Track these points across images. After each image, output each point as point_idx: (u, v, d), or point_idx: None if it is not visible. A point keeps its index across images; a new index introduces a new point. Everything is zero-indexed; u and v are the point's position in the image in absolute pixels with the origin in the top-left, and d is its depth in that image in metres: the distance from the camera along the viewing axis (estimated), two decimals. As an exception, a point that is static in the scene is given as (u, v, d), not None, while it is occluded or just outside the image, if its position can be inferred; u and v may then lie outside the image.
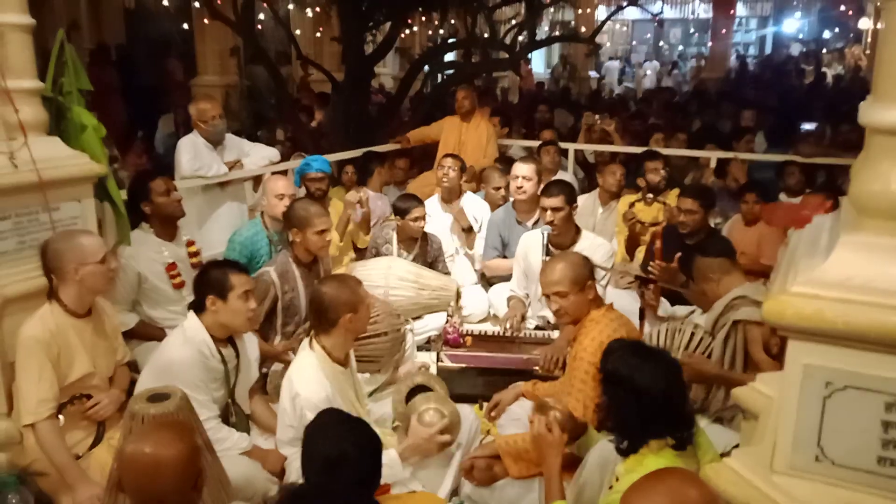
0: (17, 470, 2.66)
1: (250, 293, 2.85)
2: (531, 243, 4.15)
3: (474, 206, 5.08)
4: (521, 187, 4.51)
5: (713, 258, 3.27)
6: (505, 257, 4.61)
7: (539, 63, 20.66)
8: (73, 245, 2.79)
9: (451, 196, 5.00)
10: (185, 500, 1.74)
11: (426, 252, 4.48)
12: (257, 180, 5.03)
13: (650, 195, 5.07)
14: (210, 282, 2.83)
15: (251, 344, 3.11)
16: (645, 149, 5.86)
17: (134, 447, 1.78)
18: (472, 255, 4.86)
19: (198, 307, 2.85)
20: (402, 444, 2.77)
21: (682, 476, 1.67)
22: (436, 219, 4.88)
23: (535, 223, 4.50)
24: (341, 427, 2.11)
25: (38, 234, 3.03)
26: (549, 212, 3.93)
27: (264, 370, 3.48)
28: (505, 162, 5.79)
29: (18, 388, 2.71)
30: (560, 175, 5.70)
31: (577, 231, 4.09)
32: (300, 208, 3.63)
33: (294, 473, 2.76)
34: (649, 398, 2.03)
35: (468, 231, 4.82)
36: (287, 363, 3.27)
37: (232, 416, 2.92)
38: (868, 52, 17.45)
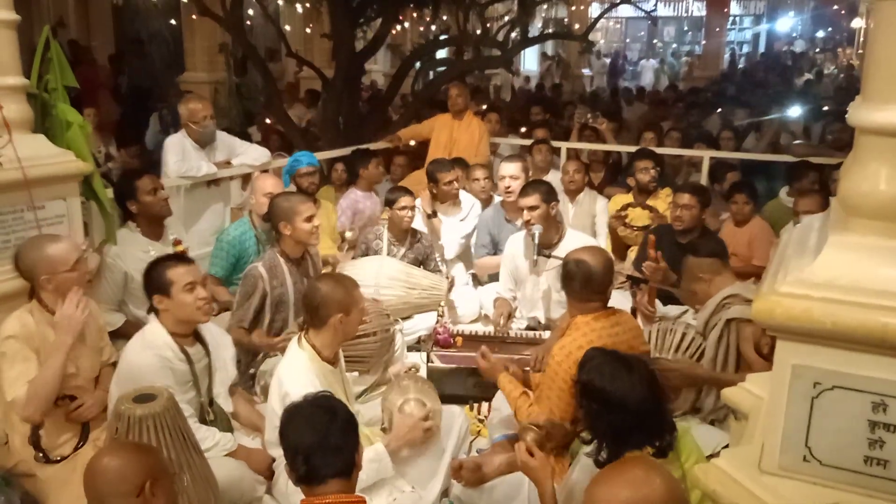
0: (2, 471, 2.64)
1: (195, 284, 2.75)
2: (519, 245, 4.14)
3: (463, 198, 5.06)
4: (508, 187, 4.50)
5: (704, 258, 3.27)
6: (496, 255, 4.59)
7: (533, 61, 20.66)
8: (41, 256, 2.76)
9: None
10: (125, 503, 1.81)
11: (417, 249, 4.46)
12: (245, 179, 5.00)
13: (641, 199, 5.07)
14: (151, 282, 2.78)
15: (223, 341, 3.07)
16: (637, 147, 5.85)
17: (93, 459, 1.90)
18: (441, 245, 4.81)
19: (151, 309, 2.82)
20: (387, 437, 2.77)
21: (645, 465, 1.67)
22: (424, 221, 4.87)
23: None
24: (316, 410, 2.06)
25: (23, 233, 3.02)
26: (525, 211, 3.92)
27: (252, 370, 3.46)
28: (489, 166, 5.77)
29: (2, 377, 2.67)
30: (552, 174, 5.68)
31: (561, 226, 4.08)
32: (282, 201, 3.59)
33: (283, 474, 2.75)
34: (624, 411, 2.00)
35: (431, 216, 4.77)
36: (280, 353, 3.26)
37: (209, 415, 2.87)
38: (860, 51, 17.52)
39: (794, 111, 8.87)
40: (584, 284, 2.83)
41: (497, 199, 5.18)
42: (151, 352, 2.70)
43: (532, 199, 3.90)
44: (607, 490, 1.56)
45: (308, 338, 2.78)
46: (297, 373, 2.70)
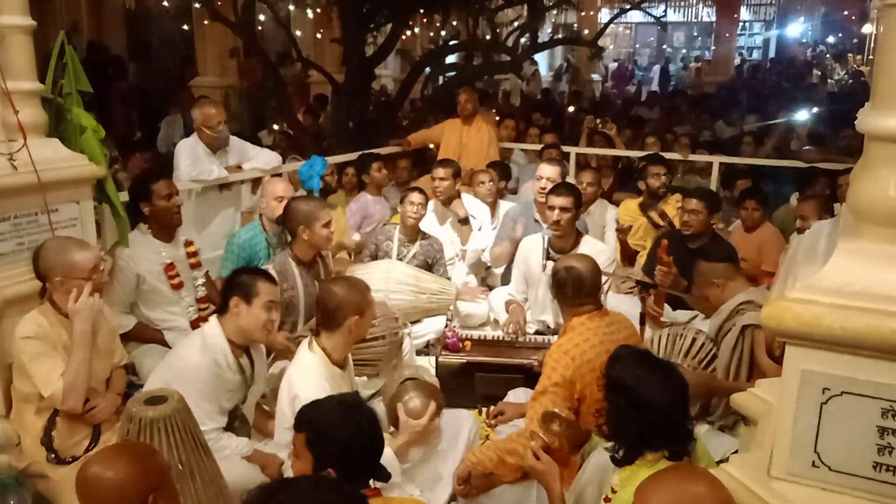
0: (15, 472, 2.67)
1: (274, 304, 2.85)
2: (532, 247, 4.14)
3: (473, 207, 5.07)
4: (544, 188, 4.46)
5: (717, 263, 3.26)
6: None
7: (542, 66, 20.66)
8: (63, 260, 2.80)
9: (447, 203, 4.99)
10: None
11: (426, 252, 4.47)
12: (256, 183, 5.03)
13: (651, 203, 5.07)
14: (238, 284, 2.84)
15: (262, 356, 3.12)
16: (646, 153, 5.85)
17: (86, 465, 1.79)
18: (466, 251, 4.84)
19: (221, 309, 2.87)
20: (395, 441, 2.78)
21: (700, 474, 1.67)
22: (434, 224, 4.88)
23: None
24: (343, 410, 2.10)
25: (37, 236, 3.04)
26: (556, 210, 3.91)
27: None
28: (499, 167, 5.76)
29: (33, 375, 2.69)
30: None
31: (579, 235, 4.09)
32: (302, 204, 3.63)
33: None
34: (651, 411, 1.99)
35: (464, 223, 4.80)
36: (287, 357, 3.29)
37: (236, 421, 2.92)
38: (871, 56, 17.43)
39: (803, 116, 8.85)
40: (576, 290, 2.92)
41: (503, 203, 5.22)
42: (209, 355, 2.75)
43: (566, 201, 3.91)
44: (657, 492, 1.58)
45: (319, 341, 2.80)
46: (307, 376, 2.72)
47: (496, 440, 2.86)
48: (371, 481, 2.09)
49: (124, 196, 3.71)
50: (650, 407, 2.00)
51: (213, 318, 2.88)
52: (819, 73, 17.61)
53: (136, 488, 1.73)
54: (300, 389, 2.66)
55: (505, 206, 5.21)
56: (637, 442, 2.02)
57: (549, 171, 4.57)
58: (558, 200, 3.93)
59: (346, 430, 2.00)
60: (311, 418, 2.07)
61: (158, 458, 1.92)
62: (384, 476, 2.10)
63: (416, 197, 4.41)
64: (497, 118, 7.61)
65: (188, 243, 3.80)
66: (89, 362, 2.72)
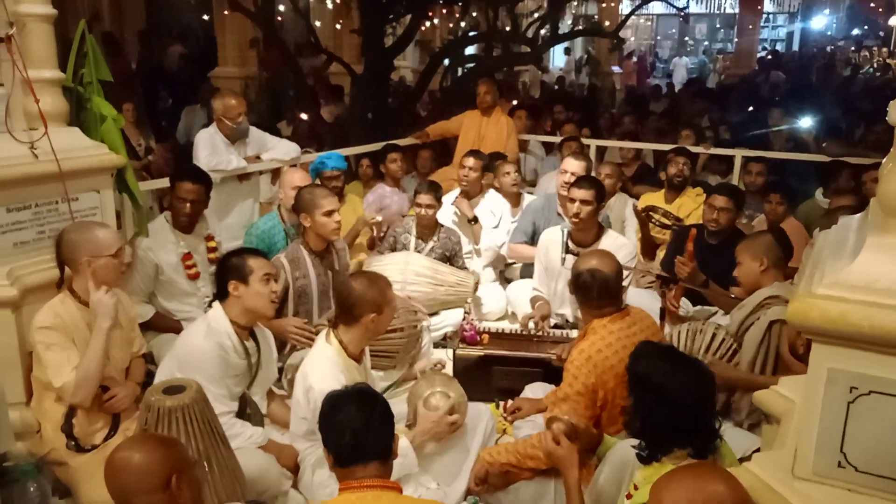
0: (35, 459, 2.68)
1: (270, 276, 2.89)
2: (552, 240, 4.10)
3: (495, 202, 5.04)
4: (568, 182, 4.41)
5: (779, 245, 3.18)
6: (534, 244, 4.55)
7: (561, 57, 20.53)
8: (87, 237, 2.80)
9: (470, 194, 4.96)
10: (152, 499, 1.79)
11: (444, 245, 4.45)
12: (275, 174, 5.03)
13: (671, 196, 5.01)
14: (230, 267, 2.86)
15: (271, 341, 3.12)
16: (672, 146, 5.78)
17: (114, 452, 1.87)
18: (479, 249, 4.82)
19: (221, 295, 2.88)
20: (412, 432, 2.77)
21: (715, 472, 1.65)
22: (450, 209, 4.86)
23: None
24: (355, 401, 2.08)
25: (57, 225, 3.05)
26: (577, 203, 3.87)
27: (279, 364, 3.48)
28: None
29: (47, 364, 2.71)
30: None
31: (601, 229, 4.04)
32: (305, 192, 3.64)
33: (309, 468, 2.76)
34: (679, 408, 1.97)
35: (473, 222, 4.78)
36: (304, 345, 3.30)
37: (247, 409, 2.92)
38: (896, 49, 17.16)
39: (828, 110, 8.73)
40: (601, 293, 2.86)
41: (527, 194, 5.17)
42: (214, 339, 2.77)
43: (587, 194, 3.87)
44: (673, 490, 1.56)
45: (336, 333, 2.80)
46: (322, 367, 2.72)
47: (515, 442, 2.83)
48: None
49: (145, 186, 3.73)
50: (678, 403, 1.97)
51: (216, 304, 2.89)
52: (845, 65, 17.33)
53: (160, 470, 1.80)
54: (314, 381, 2.66)
55: (529, 198, 5.18)
56: (663, 439, 1.99)
57: (574, 165, 4.53)
58: (579, 193, 3.89)
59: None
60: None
61: (182, 446, 2.01)
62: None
63: (424, 199, 4.38)
64: (511, 108, 7.55)
65: (209, 238, 3.81)
66: (102, 358, 2.72)
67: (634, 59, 19.92)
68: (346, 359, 2.77)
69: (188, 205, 3.70)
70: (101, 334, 2.71)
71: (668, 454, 1.97)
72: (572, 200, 3.92)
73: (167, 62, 11.02)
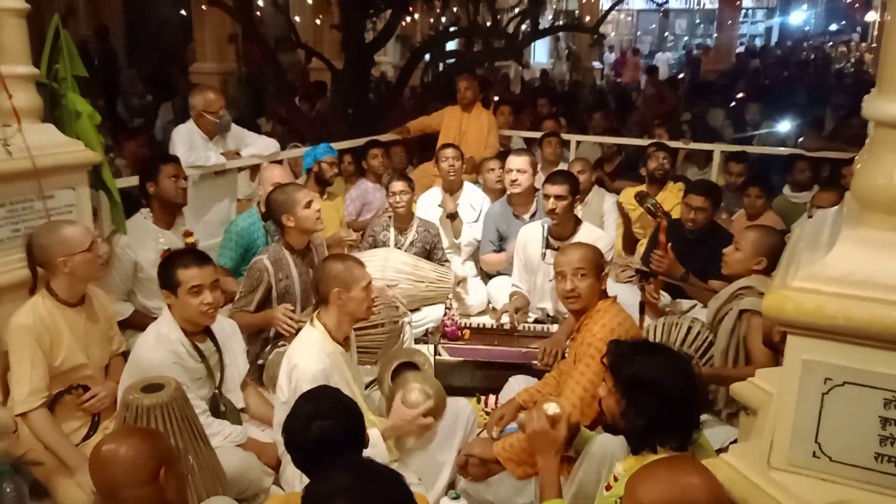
0: (11, 459, 2.65)
1: (202, 288, 2.72)
2: (530, 235, 4.12)
3: (474, 196, 5.04)
4: (515, 180, 4.45)
5: (779, 237, 3.17)
6: (503, 251, 4.57)
7: (542, 53, 20.57)
8: (57, 238, 2.76)
9: (453, 187, 4.96)
10: (141, 492, 1.77)
11: (423, 238, 4.45)
12: (254, 171, 4.99)
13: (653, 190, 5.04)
14: (162, 276, 2.77)
15: (234, 335, 3.07)
16: (652, 141, 5.82)
17: (99, 445, 1.84)
18: (459, 244, 4.81)
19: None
20: (382, 423, 2.77)
21: (689, 464, 1.66)
22: (438, 210, 4.85)
23: (533, 216, 4.47)
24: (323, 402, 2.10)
25: (32, 222, 3.02)
26: (551, 199, 3.89)
27: (260, 361, 3.47)
28: (505, 157, 5.72)
29: (11, 377, 2.69)
30: (561, 167, 5.65)
31: (577, 222, 4.07)
32: (278, 193, 3.55)
33: (290, 465, 2.75)
34: (674, 400, 1.96)
35: (452, 218, 4.78)
36: (285, 332, 3.30)
37: (221, 407, 2.88)
38: (875, 45, 17.34)
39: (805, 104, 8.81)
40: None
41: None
42: (165, 348, 2.70)
43: (561, 189, 3.89)
44: (648, 485, 1.56)
45: (319, 317, 2.80)
46: (306, 347, 2.73)
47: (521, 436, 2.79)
48: None
49: (121, 183, 3.69)
50: (673, 396, 1.96)
51: (165, 310, 2.81)
52: (823, 60, 17.50)
53: (148, 462, 1.79)
54: (299, 360, 2.66)
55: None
56: (654, 434, 1.97)
57: (517, 162, 4.49)
58: (553, 189, 3.91)
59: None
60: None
61: (168, 440, 2.03)
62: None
63: (397, 186, 4.38)
64: (494, 104, 7.55)
65: (187, 234, 3.78)
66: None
67: (638, 56, 19.96)
68: (331, 342, 2.77)
69: (182, 181, 3.69)
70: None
71: (660, 447, 1.96)
72: (546, 197, 3.94)
73: (126, 80, 10.79)
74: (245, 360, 3.13)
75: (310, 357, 2.65)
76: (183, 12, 10.73)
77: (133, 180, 4.19)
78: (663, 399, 1.97)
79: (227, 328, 3.05)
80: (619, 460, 2.09)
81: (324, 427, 1.98)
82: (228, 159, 4.67)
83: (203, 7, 9.08)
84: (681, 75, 16.25)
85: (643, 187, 5.17)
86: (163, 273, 2.77)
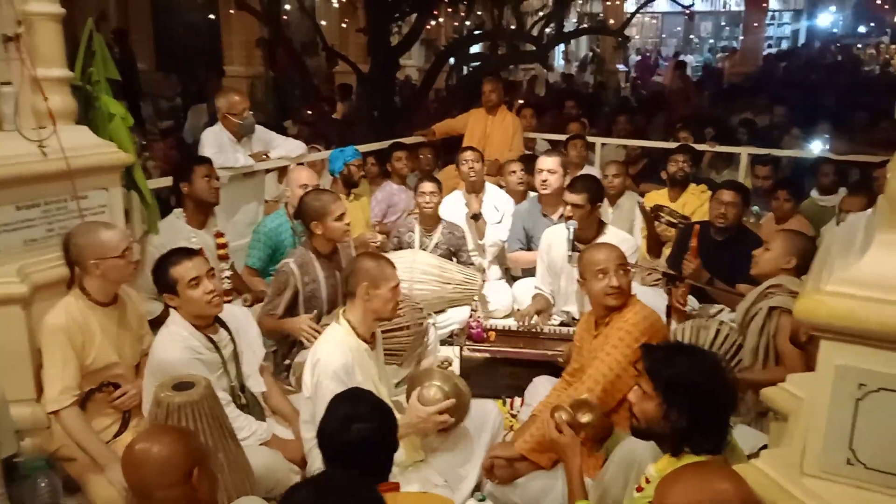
0: (45, 455, 2.70)
1: (199, 278, 2.72)
2: (555, 238, 4.10)
3: (497, 197, 5.04)
4: (545, 181, 4.46)
5: (809, 240, 3.19)
6: (530, 249, 4.57)
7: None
8: (92, 240, 2.79)
9: (475, 188, 4.96)
10: (175, 493, 1.78)
11: (448, 240, 4.46)
12: (282, 172, 5.03)
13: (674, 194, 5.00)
14: (158, 282, 2.78)
15: (246, 321, 3.09)
16: (677, 144, 5.78)
17: (132, 443, 1.85)
18: (483, 245, 4.82)
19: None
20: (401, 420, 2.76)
21: (721, 470, 1.65)
22: (461, 212, 4.86)
23: (561, 216, 4.46)
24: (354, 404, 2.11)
25: (66, 222, 3.07)
26: (569, 207, 3.90)
27: (287, 361, 3.49)
28: (527, 160, 5.71)
29: (44, 375, 2.74)
30: (587, 169, 5.63)
31: (601, 225, 4.05)
32: (312, 200, 3.58)
33: (317, 460, 2.76)
34: (714, 400, 1.95)
35: (476, 219, 4.78)
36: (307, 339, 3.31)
37: (241, 399, 2.90)
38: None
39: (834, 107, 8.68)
40: None
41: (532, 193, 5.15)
42: (179, 345, 2.72)
43: (579, 198, 3.87)
44: (680, 489, 1.56)
45: (345, 314, 2.83)
46: (330, 343, 2.76)
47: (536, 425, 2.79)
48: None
49: (153, 183, 3.75)
50: (714, 399, 1.95)
51: (172, 311, 2.82)
52: (851, 63, 17.24)
53: (182, 463, 1.79)
54: (322, 354, 2.69)
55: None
56: (695, 434, 1.95)
57: (548, 163, 4.50)
58: (571, 197, 3.90)
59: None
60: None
61: (200, 440, 2.02)
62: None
63: (427, 186, 4.40)
64: (518, 107, 7.54)
65: (218, 234, 3.82)
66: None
67: (669, 62, 19.78)
68: (357, 340, 2.78)
69: (214, 180, 3.78)
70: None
71: (697, 448, 1.95)
72: (565, 203, 3.94)
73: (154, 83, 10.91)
74: (261, 344, 3.14)
75: (333, 352, 2.68)
76: (211, 16, 10.84)
77: (163, 181, 4.25)
78: (705, 399, 1.95)
79: (239, 316, 3.07)
80: (648, 462, 2.08)
81: (362, 430, 1.99)
82: (256, 161, 4.72)
83: (231, 11, 9.19)
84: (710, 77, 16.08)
85: (665, 191, 5.14)
86: (157, 279, 2.78)
